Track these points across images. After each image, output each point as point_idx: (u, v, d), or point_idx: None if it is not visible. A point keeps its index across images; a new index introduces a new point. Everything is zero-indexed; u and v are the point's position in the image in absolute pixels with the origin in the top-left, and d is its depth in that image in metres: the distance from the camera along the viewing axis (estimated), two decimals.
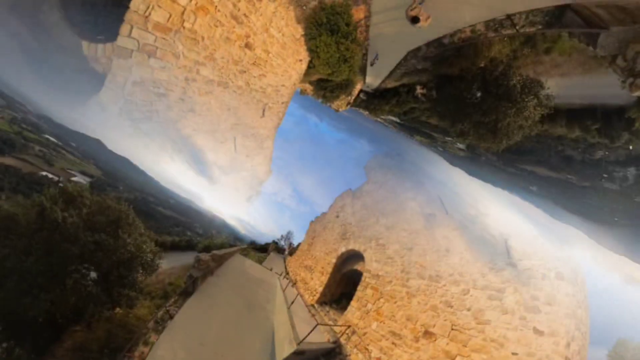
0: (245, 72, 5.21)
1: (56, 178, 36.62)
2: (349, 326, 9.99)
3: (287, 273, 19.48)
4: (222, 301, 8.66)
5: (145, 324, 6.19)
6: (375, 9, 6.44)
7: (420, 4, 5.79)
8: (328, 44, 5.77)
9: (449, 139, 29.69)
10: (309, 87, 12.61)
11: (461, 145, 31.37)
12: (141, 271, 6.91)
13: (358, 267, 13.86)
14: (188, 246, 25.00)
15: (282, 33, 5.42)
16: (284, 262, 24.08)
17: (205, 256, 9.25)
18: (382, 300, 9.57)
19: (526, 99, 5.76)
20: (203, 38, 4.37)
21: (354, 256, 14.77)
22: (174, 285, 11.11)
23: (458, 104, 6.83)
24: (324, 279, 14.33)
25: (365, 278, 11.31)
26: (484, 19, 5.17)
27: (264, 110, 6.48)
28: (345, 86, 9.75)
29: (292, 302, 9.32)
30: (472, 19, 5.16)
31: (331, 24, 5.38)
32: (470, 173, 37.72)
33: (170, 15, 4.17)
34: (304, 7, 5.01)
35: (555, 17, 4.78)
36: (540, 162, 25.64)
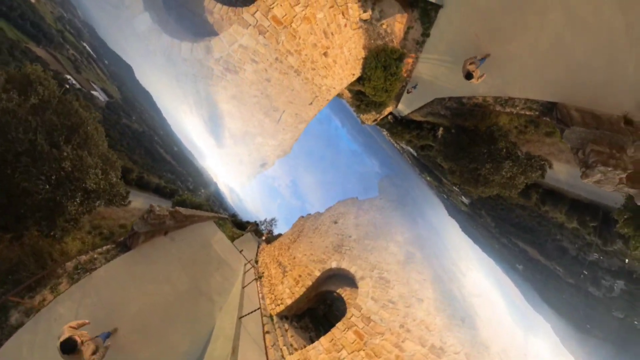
0: (315, 70, 7.27)
1: (78, 85, 38.85)
2: None
3: (257, 262, 16.97)
4: (161, 274, 6.97)
5: (63, 266, 5.05)
6: (424, 55, 8.62)
7: (479, 60, 5.83)
8: (378, 76, 7.95)
9: (456, 189, 30.98)
10: (347, 94, 14.90)
11: (465, 200, 32.86)
12: (79, 200, 5.49)
13: (343, 293, 11.80)
14: (171, 195, 24.86)
15: (350, 52, 7.55)
16: (258, 248, 21.65)
17: (161, 210, 7.27)
18: (362, 354, 7.86)
19: (504, 161, 7.36)
20: (299, 38, 6.38)
21: (342, 277, 12.69)
22: (125, 229, 9.71)
23: (457, 148, 8.63)
24: (298, 290, 11.95)
25: (352, 316, 9.37)
26: (491, 95, 7.19)
27: (313, 101, 8.46)
28: (378, 105, 11.98)
29: (248, 313, 7.81)
30: (483, 92, 7.17)
31: (386, 63, 7.56)
32: (464, 229, 38.96)
33: (285, 14, 6.01)
34: (372, 41, 7.15)
35: (548, 109, 6.71)
36: (535, 244, 26.48)
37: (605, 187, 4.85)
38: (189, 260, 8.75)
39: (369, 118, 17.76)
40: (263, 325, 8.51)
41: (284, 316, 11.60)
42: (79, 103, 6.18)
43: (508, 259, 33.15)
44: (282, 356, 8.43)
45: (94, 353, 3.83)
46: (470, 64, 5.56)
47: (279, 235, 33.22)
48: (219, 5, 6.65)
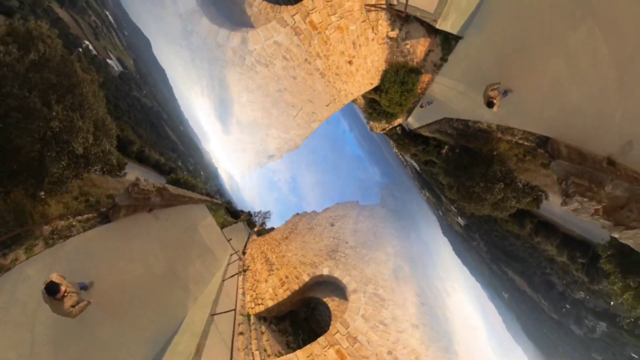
0: (338, 75, 7.97)
1: (94, 52, 39.45)
2: None
3: (244, 254, 15.99)
4: (138, 252, 6.70)
5: (40, 228, 5.02)
6: (439, 77, 9.36)
7: (502, 93, 5.89)
8: (395, 90, 8.60)
9: (453, 209, 31.54)
10: (362, 100, 15.67)
11: (461, 221, 33.47)
12: (65, 163, 5.42)
13: (330, 303, 11.15)
14: (170, 172, 24.35)
15: (372, 64, 8.25)
16: (247, 239, 20.84)
17: (147, 184, 6.88)
18: None
19: (497, 183, 8.00)
20: (330, 44, 7.03)
21: (332, 286, 11.93)
22: (112, 199, 8.18)
23: (457, 165, 9.28)
24: (282, 293, 11.14)
25: (336, 332, 8.77)
26: (495, 122, 7.93)
27: (330, 103, 9.15)
28: (390, 116, 12.71)
29: (222, 313, 7.14)
30: (488, 119, 7.91)
31: (404, 79, 8.24)
32: (456, 250, 39.38)
33: (322, 21, 6.63)
34: (394, 57, 7.90)
35: (543, 141, 7.41)
36: (524, 274, 26.91)
37: (582, 215, 5.36)
38: (170, 243, 8.28)
39: (379, 126, 18.49)
40: (235, 326, 7.52)
41: (262, 317, 10.73)
42: (80, 65, 6.02)
43: (495, 285, 33.47)
44: None
45: (73, 306, 3.98)
46: (492, 90, 5.64)
47: (272, 229, 33.32)
48: (258, 1, 7.40)
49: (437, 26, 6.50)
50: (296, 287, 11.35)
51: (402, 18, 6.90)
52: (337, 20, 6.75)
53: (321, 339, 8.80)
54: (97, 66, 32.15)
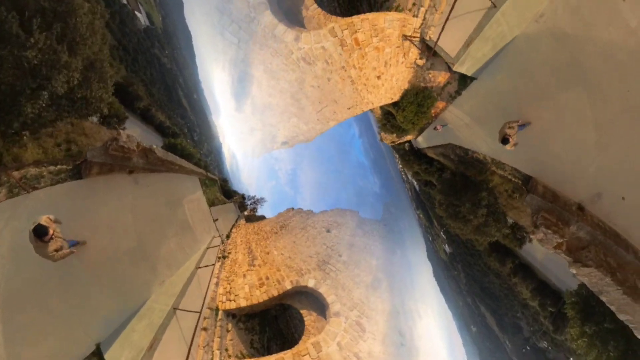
0: (365, 85, 9.37)
1: (124, 1, 40.27)
2: None
3: (227, 238, 14.69)
4: (106, 220, 5.97)
5: (8, 173, 4.61)
6: (452, 107, 10.86)
7: (519, 126, 5.96)
8: (411, 110, 9.90)
9: (442, 235, 32.93)
10: (379, 111, 17.17)
11: (447, 249, 34.97)
12: (43, 103, 4.71)
13: (306, 316, 10.61)
14: (173, 137, 23.29)
15: (397, 82, 9.47)
16: (235, 222, 19.65)
17: (129, 141, 5.98)
18: None
19: (481, 208, 9.31)
20: (366, 59, 8.21)
21: (313, 298, 11.26)
22: None
23: (451, 186, 10.65)
24: (258, 295, 10.41)
25: (306, 354, 8.53)
26: (490, 155, 9.40)
27: (352, 107, 10.50)
28: (402, 131, 14.12)
29: (186, 310, 6.72)
30: (484, 151, 9.37)
31: (421, 102, 9.59)
32: (436, 276, 40.65)
33: (364, 40, 7.79)
34: (417, 80, 9.40)
35: (527, 179, 8.51)
36: (496, 313, 27.77)
37: (546, 246, 6.05)
38: (146, 214, 7.42)
39: (389, 138, 19.83)
40: (199, 324, 6.97)
41: (231, 314, 10.05)
42: None
43: (466, 317, 34.51)
44: None
45: (57, 250, 3.94)
46: (509, 128, 5.67)
47: (262, 217, 32.25)
48: (315, 5, 8.82)
49: (454, 69, 7.95)
50: (275, 293, 10.54)
51: (430, 52, 8.35)
52: (377, 42, 8.15)
53: (287, 356, 8.38)
54: (124, 16, 32.83)
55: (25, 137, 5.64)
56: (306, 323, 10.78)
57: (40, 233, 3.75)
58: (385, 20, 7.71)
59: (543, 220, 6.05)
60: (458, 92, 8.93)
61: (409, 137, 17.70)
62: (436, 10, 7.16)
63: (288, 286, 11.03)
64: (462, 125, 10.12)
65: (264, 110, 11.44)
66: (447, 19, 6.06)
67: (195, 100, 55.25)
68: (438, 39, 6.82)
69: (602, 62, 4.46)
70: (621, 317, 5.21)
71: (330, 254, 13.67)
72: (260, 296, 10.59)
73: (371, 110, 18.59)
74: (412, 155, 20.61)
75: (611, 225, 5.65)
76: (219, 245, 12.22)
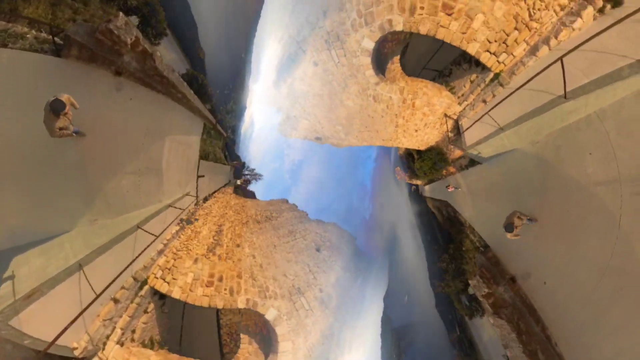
0: (404, 131, 12.91)
1: None
2: None
3: (204, 201, 13.01)
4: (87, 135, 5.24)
5: None
6: (459, 175, 14.46)
7: (528, 220, 6.48)
8: (427, 164, 13.17)
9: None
10: (403, 150, 20.81)
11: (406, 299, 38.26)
12: None
13: (244, 342, 9.94)
14: (200, 87, 18.37)
15: (427, 138, 12.69)
16: (221, 187, 18.06)
17: (125, 31, 5.08)
18: None
19: (445, 254, 12.62)
20: (412, 116, 11.81)
21: (265, 333, 10.13)
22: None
23: (430, 228, 14.08)
24: (198, 296, 9.12)
25: None
26: (469, 220, 13.00)
27: (385, 139, 14.07)
28: (416, 176, 17.78)
29: (94, 289, 5.57)
30: (466, 215, 13.04)
31: (437, 160, 13.25)
32: (383, 320, 43.17)
33: (420, 104, 10.76)
34: (442, 144, 13.06)
35: (486, 247, 12.44)
36: None
37: (477, 291, 8.57)
38: (109, 132, 6.18)
39: (402, 174, 23.59)
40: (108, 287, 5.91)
41: (161, 294, 8.83)
42: None
43: None
44: (101, 341, 6.64)
45: (61, 128, 4.23)
46: (518, 217, 6.18)
47: (252, 194, 32.46)
48: (398, 63, 12.32)
49: (465, 152, 11.34)
50: (219, 305, 9.29)
51: (458, 130, 11.86)
52: (426, 110, 11.61)
53: None
54: None
55: None
56: (240, 351, 9.56)
57: (56, 107, 4.06)
58: (438, 99, 11.22)
59: (481, 273, 8.68)
60: (467, 167, 12.43)
61: (418, 182, 21.31)
62: (473, 108, 10.64)
63: (240, 305, 9.44)
64: (460, 192, 13.63)
65: (298, 97, 12.07)
66: (476, 120, 9.45)
67: (242, 58, 57.74)
68: (466, 129, 10.25)
69: (559, 186, 6.24)
70: None
71: (310, 282, 11.30)
72: (199, 298, 9.10)
73: (399, 147, 22.17)
74: (416, 196, 24.34)
75: (531, 300, 7.03)
76: (187, 208, 10.35)
